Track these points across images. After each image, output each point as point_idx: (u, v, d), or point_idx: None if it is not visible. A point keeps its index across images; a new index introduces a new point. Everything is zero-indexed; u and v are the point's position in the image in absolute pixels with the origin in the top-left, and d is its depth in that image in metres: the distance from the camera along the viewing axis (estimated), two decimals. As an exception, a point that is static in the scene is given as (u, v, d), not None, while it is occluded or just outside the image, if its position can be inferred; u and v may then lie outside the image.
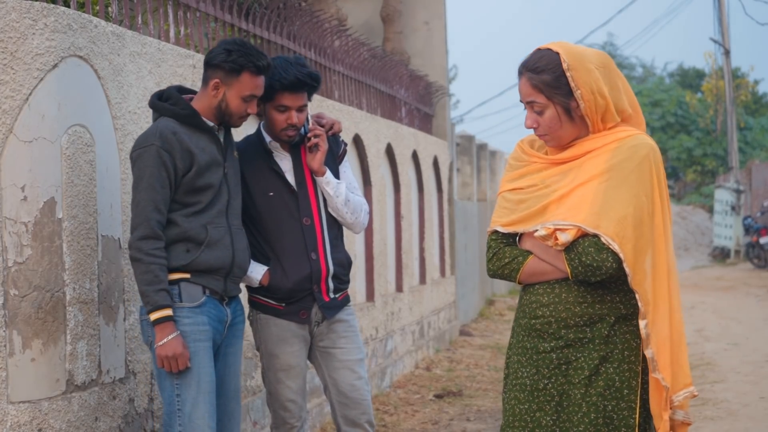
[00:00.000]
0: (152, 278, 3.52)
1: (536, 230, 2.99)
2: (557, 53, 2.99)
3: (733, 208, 25.10)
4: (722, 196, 25.81)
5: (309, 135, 4.01)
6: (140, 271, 3.54)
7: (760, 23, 43.97)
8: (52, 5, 3.63)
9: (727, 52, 25.87)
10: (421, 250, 9.72)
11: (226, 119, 3.74)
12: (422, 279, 9.71)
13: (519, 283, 3.11)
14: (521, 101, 3.09)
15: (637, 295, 2.91)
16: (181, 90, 3.81)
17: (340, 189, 4.04)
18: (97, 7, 4.17)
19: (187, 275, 3.63)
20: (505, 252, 3.10)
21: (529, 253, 3.06)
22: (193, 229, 3.63)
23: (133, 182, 3.61)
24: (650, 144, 2.98)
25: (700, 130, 36.93)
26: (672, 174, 40.31)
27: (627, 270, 2.89)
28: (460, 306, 11.85)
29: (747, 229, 22.81)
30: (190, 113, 3.65)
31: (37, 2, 3.57)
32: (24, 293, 3.50)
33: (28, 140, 3.51)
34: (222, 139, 3.77)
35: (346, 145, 4.25)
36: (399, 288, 8.76)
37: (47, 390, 3.56)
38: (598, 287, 2.98)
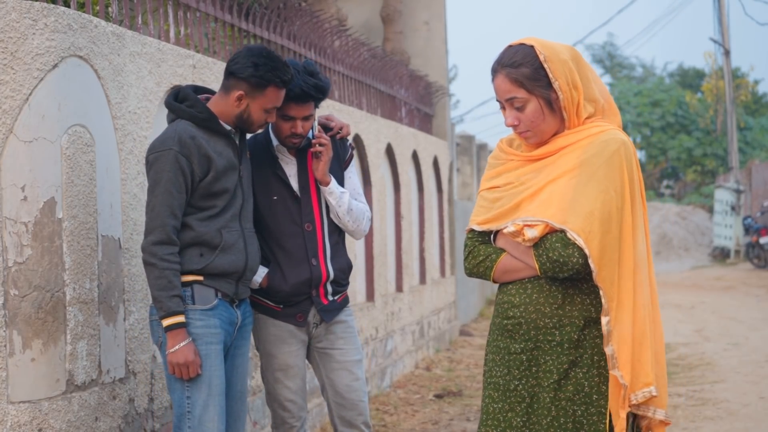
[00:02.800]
0: (166, 284, 3.51)
1: (506, 227, 3.00)
2: (531, 46, 2.99)
3: (733, 208, 25.11)
4: (722, 196, 25.82)
5: (314, 142, 3.99)
6: (154, 276, 3.53)
7: (760, 23, 44.07)
8: (52, 5, 3.63)
9: (727, 52, 25.88)
10: (421, 250, 9.73)
11: (245, 127, 3.73)
12: (422, 279, 9.72)
13: (494, 281, 3.11)
14: (498, 100, 3.06)
15: (601, 291, 2.90)
16: (197, 90, 3.79)
17: (343, 199, 4.02)
18: (97, 7, 4.17)
19: (200, 278, 3.62)
20: (479, 250, 3.10)
21: (503, 250, 3.06)
22: (208, 233, 3.62)
23: (149, 186, 3.59)
24: (621, 139, 2.96)
25: (700, 130, 36.92)
26: (672, 174, 40.29)
27: (592, 266, 2.87)
28: (460, 306, 11.85)
29: (747, 229, 22.82)
30: (207, 117, 3.64)
31: (37, 2, 3.57)
32: (24, 293, 3.50)
33: (28, 140, 3.51)
34: (237, 142, 3.76)
35: (353, 149, 4.23)
36: (399, 288, 8.76)
37: (47, 390, 3.56)
38: (569, 287, 2.97)
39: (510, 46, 3.04)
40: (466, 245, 3.16)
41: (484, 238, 3.12)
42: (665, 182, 40.66)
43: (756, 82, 39.32)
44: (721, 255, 25.77)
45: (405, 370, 8.66)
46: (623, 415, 2.91)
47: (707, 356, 9.43)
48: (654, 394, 2.92)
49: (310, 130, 4.02)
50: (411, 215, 9.27)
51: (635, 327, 2.92)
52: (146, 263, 3.55)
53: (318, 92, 3.90)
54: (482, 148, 15.59)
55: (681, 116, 37.87)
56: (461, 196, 14.11)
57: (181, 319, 3.53)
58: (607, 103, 3.07)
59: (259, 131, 3.98)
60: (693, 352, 9.72)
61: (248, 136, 3.96)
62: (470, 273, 3.16)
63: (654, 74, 49.04)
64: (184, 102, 3.69)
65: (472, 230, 3.13)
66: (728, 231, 25.39)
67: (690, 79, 45.28)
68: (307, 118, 3.92)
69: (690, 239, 30.28)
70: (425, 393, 7.83)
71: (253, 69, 3.61)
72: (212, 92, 3.83)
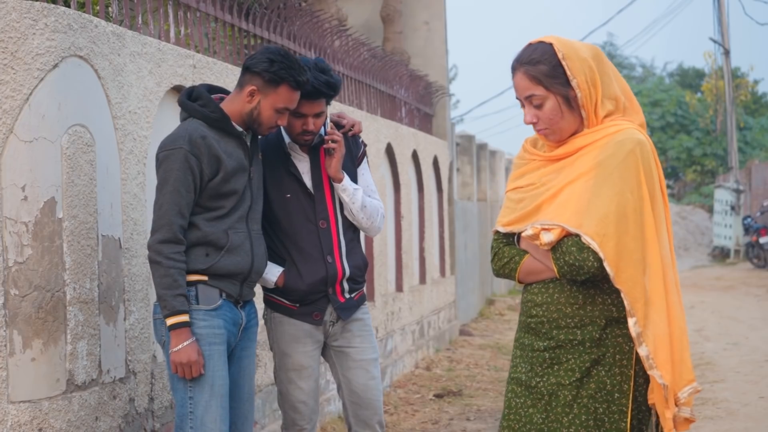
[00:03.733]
0: (171, 282, 3.50)
1: (525, 230, 3.01)
2: (551, 44, 3.00)
3: (732, 208, 25.10)
4: (722, 196, 25.82)
5: (327, 138, 3.98)
6: (159, 275, 3.52)
7: (759, 23, 44.10)
8: (53, 5, 3.63)
9: (726, 52, 25.88)
10: (421, 249, 9.73)
11: (255, 127, 3.71)
12: (422, 279, 9.72)
13: (519, 282, 3.13)
14: (518, 98, 3.07)
15: (622, 294, 2.89)
16: (211, 89, 3.79)
17: (356, 195, 4.02)
18: (98, 7, 4.18)
19: (205, 278, 3.62)
20: (504, 252, 3.13)
21: (526, 252, 3.08)
22: (215, 233, 3.61)
23: (157, 183, 3.58)
24: (637, 139, 2.95)
25: (700, 130, 36.93)
26: (672, 174, 40.29)
27: (608, 269, 2.87)
28: (460, 306, 11.85)
29: (747, 229, 22.82)
30: (220, 117, 3.63)
31: (38, 2, 3.57)
32: (24, 293, 3.50)
33: (29, 140, 3.52)
34: (249, 143, 3.75)
35: (365, 146, 4.23)
36: (399, 288, 8.76)
37: (47, 390, 3.56)
38: (590, 287, 2.98)
39: (530, 44, 3.05)
40: (492, 246, 3.19)
41: (509, 240, 3.14)
42: (665, 182, 40.67)
43: (756, 82, 39.35)
44: (721, 255, 25.77)
45: (405, 369, 8.67)
46: (669, 415, 2.90)
47: (707, 356, 9.44)
48: (699, 389, 2.95)
49: (322, 128, 4.02)
50: (411, 215, 9.27)
51: (672, 325, 2.92)
52: (152, 261, 3.54)
53: (329, 89, 3.89)
54: (482, 148, 15.57)
55: (681, 116, 37.88)
56: (461, 196, 14.11)
57: (185, 318, 3.53)
58: (628, 101, 3.07)
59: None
60: (693, 352, 9.71)
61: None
62: (497, 274, 3.19)
63: (654, 74, 49.08)
64: (197, 101, 3.68)
65: (497, 231, 3.15)
66: (728, 231, 25.39)
67: (690, 79, 45.31)
68: (318, 115, 3.91)
69: (690, 239, 30.30)
70: (425, 393, 7.83)
71: (268, 64, 3.62)
72: (226, 92, 3.83)
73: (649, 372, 2.91)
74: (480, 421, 6.78)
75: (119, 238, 4.01)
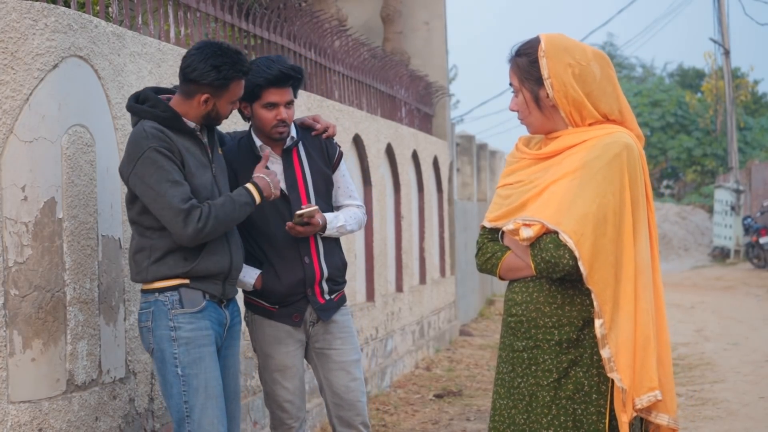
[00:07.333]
0: (230, 203, 3.58)
1: (507, 225, 3.02)
2: (539, 39, 3.01)
3: (732, 208, 25.10)
4: (722, 196, 25.82)
5: (302, 216, 3.91)
6: (223, 215, 3.54)
7: (760, 23, 44.16)
8: (53, 5, 3.63)
9: (726, 52, 25.89)
10: (421, 250, 9.73)
11: (213, 123, 3.70)
12: (422, 279, 9.72)
13: (500, 278, 3.14)
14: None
15: (592, 294, 2.90)
16: (158, 90, 3.74)
17: (342, 230, 4.06)
18: (98, 7, 4.18)
19: (187, 281, 3.60)
20: (487, 247, 3.15)
21: (509, 249, 3.09)
22: None
23: (149, 197, 3.47)
24: (625, 143, 2.95)
25: (700, 130, 36.91)
26: (672, 174, 40.28)
27: (582, 268, 2.88)
28: (460, 306, 11.86)
29: (747, 229, 22.82)
30: (170, 116, 3.56)
31: (38, 2, 3.57)
32: (24, 293, 3.50)
33: (29, 140, 3.52)
34: (206, 139, 3.71)
35: (340, 148, 4.23)
36: (399, 288, 8.76)
37: (47, 390, 3.56)
38: (568, 287, 2.98)
39: (536, 36, 3.07)
40: (477, 241, 3.20)
41: (494, 235, 3.15)
42: (665, 182, 40.66)
43: (756, 82, 39.32)
44: (721, 255, 25.77)
45: (405, 370, 8.67)
46: (625, 419, 2.90)
47: (707, 356, 9.44)
48: (659, 398, 2.92)
49: (294, 129, 4.04)
50: (411, 215, 9.27)
51: (638, 331, 2.92)
52: (206, 231, 3.49)
53: (296, 72, 3.94)
54: (482, 148, 15.58)
55: (681, 116, 37.85)
56: (461, 196, 14.11)
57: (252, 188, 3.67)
58: (623, 118, 3.04)
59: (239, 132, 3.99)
60: (693, 352, 9.73)
61: (240, 139, 3.95)
62: (480, 269, 3.20)
63: (654, 74, 49.03)
64: (145, 103, 3.63)
65: (483, 227, 3.17)
66: (728, 231, 25.39)
67: (690, 79, 45.28)
68: (288, 105, 3.95)
69: (690, 239, 30.29)
70: (425, 393, 7.83)
71: (216, 73, 3.54)
72: (173, 92, 3.74)
73: (609, 374, 2.91)
74: (480, 421, 6.78)
75: (119, 238, 4.01)
